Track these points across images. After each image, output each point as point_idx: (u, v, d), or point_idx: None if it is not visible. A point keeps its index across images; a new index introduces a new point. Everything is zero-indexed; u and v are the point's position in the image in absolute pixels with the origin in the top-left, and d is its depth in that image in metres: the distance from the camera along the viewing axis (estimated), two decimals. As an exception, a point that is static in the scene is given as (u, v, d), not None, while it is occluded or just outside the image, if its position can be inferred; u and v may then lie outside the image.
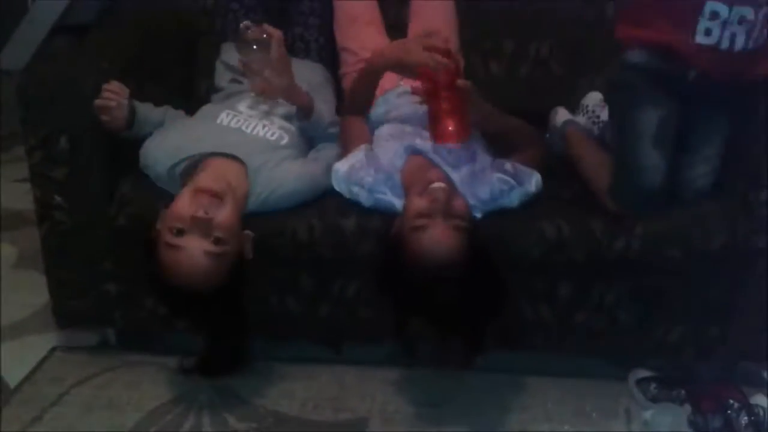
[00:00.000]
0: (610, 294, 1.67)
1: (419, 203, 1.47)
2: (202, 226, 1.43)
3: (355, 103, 1.81)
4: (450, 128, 1.55)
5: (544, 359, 1.79)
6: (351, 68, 2.01)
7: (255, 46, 1.62)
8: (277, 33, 1.63)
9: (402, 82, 1.87)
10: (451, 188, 1.50)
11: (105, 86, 1.60)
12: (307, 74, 2.00)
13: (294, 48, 2.05)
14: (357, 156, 1.69)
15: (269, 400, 1.68)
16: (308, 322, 1.74)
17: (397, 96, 1.88)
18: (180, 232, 1.44)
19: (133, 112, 1.64)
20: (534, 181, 1.66)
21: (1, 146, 3.31)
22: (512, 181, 1.63)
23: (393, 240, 1.51)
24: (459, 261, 1.43)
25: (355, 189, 1.64)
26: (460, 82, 1.58)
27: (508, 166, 1.66)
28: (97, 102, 1.59)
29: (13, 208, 2.66)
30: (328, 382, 1.74)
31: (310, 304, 1.72)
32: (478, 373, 1.75)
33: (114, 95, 1.60)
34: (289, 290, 1.71)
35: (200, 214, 1.43)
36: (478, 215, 1.59)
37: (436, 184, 1.47)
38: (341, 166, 1.67)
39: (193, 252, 1.43)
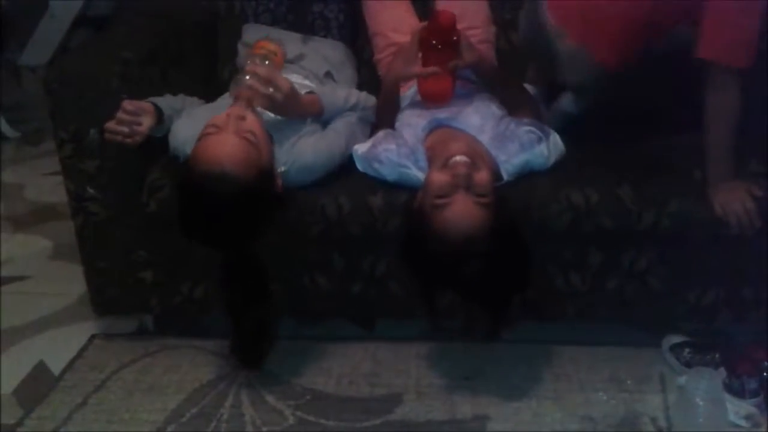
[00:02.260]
0: (641, 260, 1.66)
1: (440, 178, 1.46)
2: (235, 121, 1.49)
3: (383, 117, 1.82)
4: (433, 90, 1.72)
5: (576, 328, 1.80)
6: (383, 53, 2.01)
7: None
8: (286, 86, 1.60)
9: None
10: (474, 161, 1.48)
11: (119, 113, 1.56)
12: (328, 53, 2.01)
13: (314, 26, 2.05)
14: (377, 136, 1.72)
15: (306, 378, 1.71)
16: (341, 300, 1.77)
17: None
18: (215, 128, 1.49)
19: (160, 113, 1.64)
20: (554, 138, 1.67)
21: (29, 141, 3.37)
22: (539, 132, 1.64)
23: (415, 214, 1.51)
24: (483, 235, 1.43)
25: (377, 165, 1.65)
26: (451, 64, 1.67)
27: (527, 120, 1.68)
28: (107, 136, 1.58)
29: (46, 202, 2.71)
30: (362, 359, 1.76)
31: (341, 282, 1.74)
32: (510, 344, 1.76)
33: (129, 117, 1.56)
34: (321, 269, 1.73)
35: (234, 112, 1.51)
36: (506, 177, 1.60)
37: (458, 158, 1.46)
38: (360, 147, 1.70)
39: (228, 137, 1.47)
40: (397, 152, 1.64)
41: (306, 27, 2.05)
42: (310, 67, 1.94)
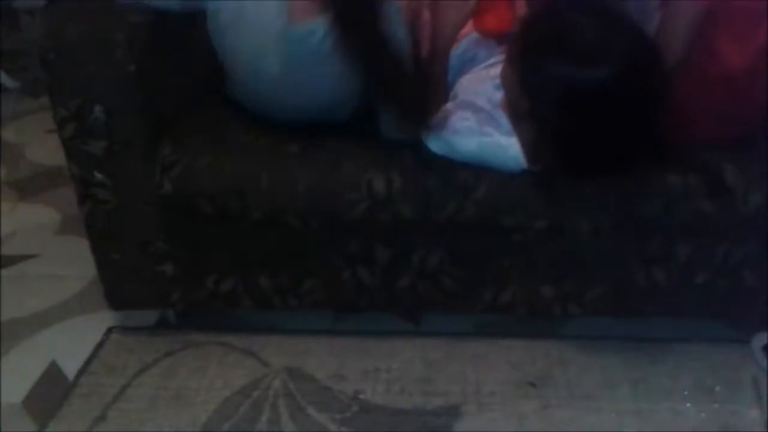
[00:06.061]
0: (736, 252, 1.44)
1: None
2: None
3: (436, 87, 1.52)
4: (490, 17, 1.51)
5: (654, 323, 1.59)
6: None
7: None
8: None
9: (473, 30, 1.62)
10: None
11: None
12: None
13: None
14: (445, 109, 1.46)
15: (350, 383, 1.52)
16: (384, 295, 1.56)
17: (469, 44, 1.63)
18: None
19: None
20: None
21: (29, 92, 3.13)
22: None
23: None
24: None
25: (454, 138, 1.41)
26: None
27: None
28: None
29: (51, 164, 2.48)
30: (411, 360, 1.57)
31: (386, 277, 1.53)
32: (579, 341, 1.57)
33: None
34: (363, 262, 1.52)
35: None
36: None
37: None
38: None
39: None
40: (475, 119, 1.40)
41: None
42: None
